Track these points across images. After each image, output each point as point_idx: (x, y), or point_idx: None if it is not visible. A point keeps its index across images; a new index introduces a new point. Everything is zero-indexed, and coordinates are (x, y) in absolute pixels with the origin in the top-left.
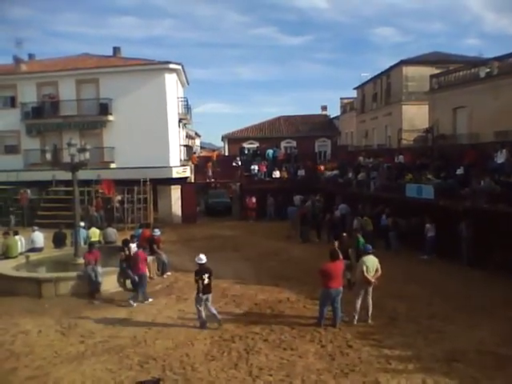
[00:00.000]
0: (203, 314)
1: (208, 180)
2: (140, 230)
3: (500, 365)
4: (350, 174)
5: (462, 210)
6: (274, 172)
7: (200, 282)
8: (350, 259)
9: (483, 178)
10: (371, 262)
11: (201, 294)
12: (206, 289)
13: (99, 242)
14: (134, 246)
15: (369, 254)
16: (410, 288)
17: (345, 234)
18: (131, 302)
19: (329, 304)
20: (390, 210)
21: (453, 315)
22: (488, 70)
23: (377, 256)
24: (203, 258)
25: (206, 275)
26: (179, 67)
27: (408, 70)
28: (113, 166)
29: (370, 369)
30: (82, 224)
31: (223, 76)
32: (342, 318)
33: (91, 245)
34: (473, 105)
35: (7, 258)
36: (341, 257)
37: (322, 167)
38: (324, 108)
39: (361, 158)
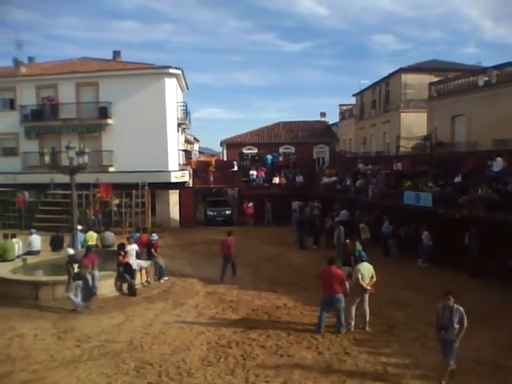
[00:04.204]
0: (73, 298)
1: (213, 185)
2: (137, 234)
3: (496, 374)
4: (348, 181)
5: (459, 218)
6: (274, 178)
7: (71, 269)
8: (351, 266)
9: (481, 186)
10: (366, 270)
11: (71, 280)
12: (77, 275)
13: (96, 245)
14: (135, 247)
15: (363, 261)
16: (408, 295)
17: (347, 241)
18: (223, 279)
19: (328, 310)
20: (389, 217)
21: None
22: (487, 78)
23: (375, 263)
24: (71, 250)
25: (76, 265)
26: (179, 72)
27: (407, 78)
28: (111, 169)
29: (367, 376)
30: (80, 227)
31: (222, 81)
32: (340, 328)
33: (88, 249)
34: (471, 113)
35: (4, 260)
36: (335, 264)
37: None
38: (323, 114)
39: (360, 165)
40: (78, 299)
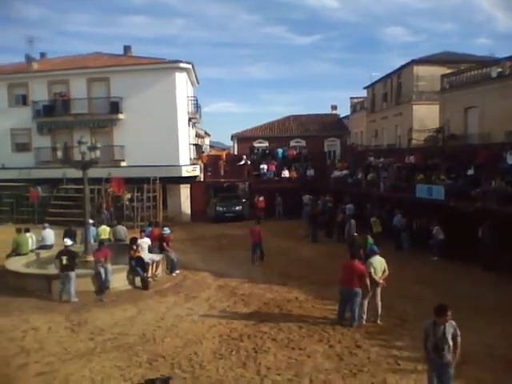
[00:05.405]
0: (72, 289)
1: (223, 180)
2: (149, 228)
3: (509, 368)
4: (360, 174)
5: (472, 211)
6: (283, 171)
7: (59, 261)
8: (361, 260)
9: (494, 179)
10: (378, 263)
11: (60, 271)
12: (66, 268)
13: (109, 239)
14: (147, 241)
15: (375, 254)
16: (420, 289)
17: (356, 234)
18: (255, 263)
19: (346, 304)
20: (401, 211)
21: (463, 317)
22: (500, 69)
23: (387, 257)
24: (68, 241)
25: (65, 257)
26: (189, 66)
27: (419, 70)
28: (123, 164)
29: (379, 369)
30: (92, 222)
31: (233, 75)
32: (352, 322)
33: (101, 243)
34: (484, 105)
35: (18, 254)
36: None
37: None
38: (334, 107)
39: (371, 158)
40: (72, 291)
